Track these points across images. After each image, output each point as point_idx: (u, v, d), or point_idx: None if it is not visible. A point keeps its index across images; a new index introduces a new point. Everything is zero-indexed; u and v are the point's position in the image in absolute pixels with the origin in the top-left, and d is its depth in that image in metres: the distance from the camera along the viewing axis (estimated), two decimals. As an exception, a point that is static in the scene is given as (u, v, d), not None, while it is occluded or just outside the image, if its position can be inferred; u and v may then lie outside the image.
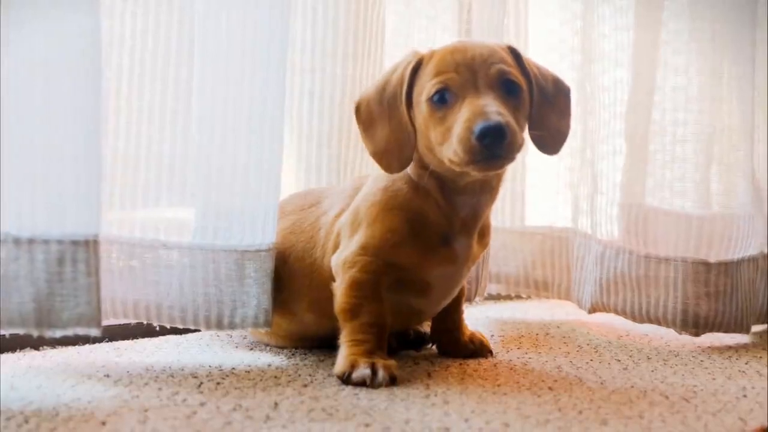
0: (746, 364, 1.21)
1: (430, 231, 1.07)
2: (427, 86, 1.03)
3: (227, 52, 1.09)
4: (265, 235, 1.12)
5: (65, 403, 0.91)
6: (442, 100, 1.01)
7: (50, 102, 0.95)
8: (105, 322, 1.21)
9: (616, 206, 1.44)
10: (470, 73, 1.01)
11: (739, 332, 1.38)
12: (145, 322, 1.12)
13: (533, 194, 1.62)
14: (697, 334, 1.36)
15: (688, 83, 1.41)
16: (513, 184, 1.57)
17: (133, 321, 1.13)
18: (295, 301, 1.15)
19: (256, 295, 1.11)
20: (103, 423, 0.84)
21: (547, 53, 1.58)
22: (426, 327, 1.26)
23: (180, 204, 1.14)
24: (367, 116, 1.08)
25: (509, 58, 1.05)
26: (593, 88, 1.47)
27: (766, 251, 1.44)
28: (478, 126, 0.96)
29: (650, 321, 1.38)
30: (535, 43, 1.58)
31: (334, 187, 1.23)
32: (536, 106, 1.07)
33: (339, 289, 1.07)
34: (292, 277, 1.15)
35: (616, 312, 1.41)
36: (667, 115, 1.42)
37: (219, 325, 1.11)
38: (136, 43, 1.12)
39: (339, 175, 1.36)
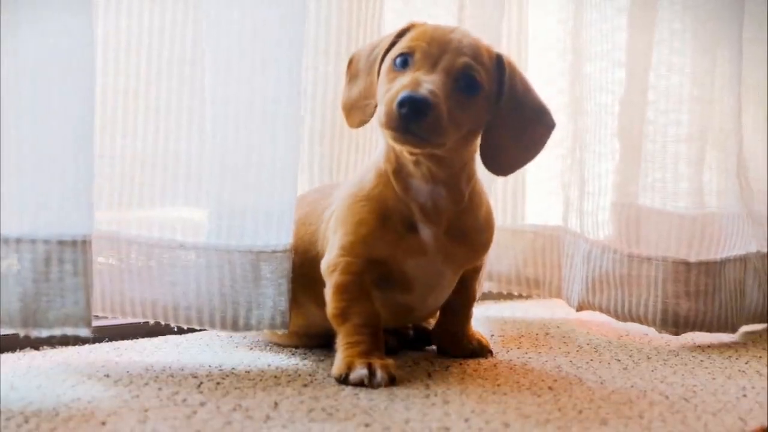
0: (746, 364, 1.21)
1: (395, 218, 1.07)
2: (396, 47, 1.04)
3: (240, 49, 1.09)
4: (280, 235, 1.12)
5: (65, 403, 0.91)
6: (404, 63, 1.03)
7: (39, 102, 0.94)
8: (108, 322, 1.23)
9: (602, 205, 1.44)
10: (438, 50, 1.02)
11: (724, 332, 1.38)
12: (162, 322, 1.13)
13: (529, 193, 1.62)
14: (677, 333, 1.36)
15: (678, 83, 1.41)
16: (505, 184, 1.57)
17: (152, 321, 1.13)
18: (302, 291, 1.15)
19: (272, 296, 1.11)
20: (103, 423, 0.84)
21: (545, 52, 1.58)
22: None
23: (196, 203, 1.14)
24: (354, 69, 1.12)
25: (487, 61, 1.05)
26: (584, 87, 1.46)
27: (764, 251, 1.45)
28: (402, 94, 0.96)
29: (632, 320, 1.38)
30: (534, 41, 1.58)
31: (344, 182, 1.23)
32: (500, 120, 1.06)
33: (327, 294, 1.08)
34: (300, 268, 1.15)
35: (601, 310, 1.41)
36: (655, 115, 1.42)
37: (235, 327, 1.12)
38: (153, 41, 1.12)
39: (332, 174, 1.36)
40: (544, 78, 1.57)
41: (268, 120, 1.10)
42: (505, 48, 1.50)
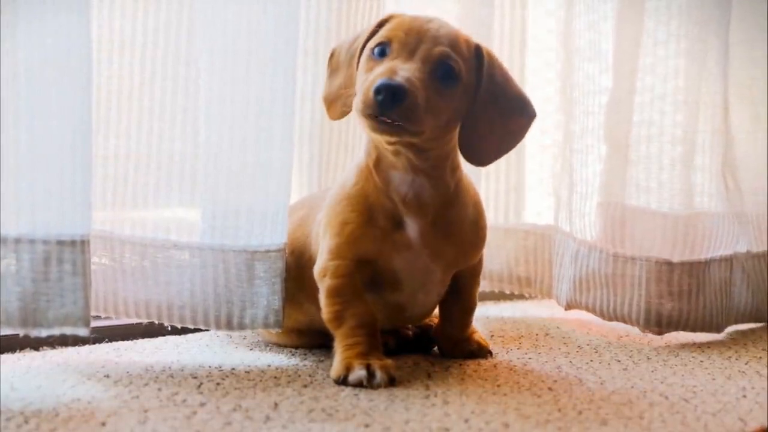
0: (746, 364, 1.21)
1: (378, 213, 1.07)
2: (375, 38, 1.05)
3: (234, 50, 1.09)
4: (274, 235, 1.12)
5: (65, 403, 0.91)
6: (382, 53, 1.03)
7: (37, 102, 0.94)
8: (108, 323, 1.23)
9: (590, 204, 1.44)
10: (416, 40, 1.02)
11: (709, 332, 1.38)
12: (156, 322, 1.13)
13: (527, 193, 1.62)
14: (660, 333, 1.36)
15: (664, 84, 1.41)
16: (497, 184, 1.57)
17: (145, 321, 1.14)
18: (299, 291, 1.15)
19: (266, 295, 1.12)
20: (103, 423, 0.84)
21: (543, 53, 1.58)
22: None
23: (190, 203, 1.14)
24: (335, 62, 1.12)
25: (466, 52, 1.05)
26: (575, 90, 1.46)
27: (753, 251, 1.45)
28: (378, 81, 0.97)
29: (617, 319, 1.39)
30: (534, 41, 1.58)
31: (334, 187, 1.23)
32: (479, 110, 1.06)
33: (321, 299, 1.08)
34: (297, 269, 1.15)
35: (587, 309, 1.42)
36: (641, 116, 1.42)
37: (229, 326, 1.12)
38: (147, 41, 1.12)
39: (321, 175, 1.36)
40: (542, 78, 1.57)
41: (263, 120, 1.10)
42: (498, 47, 1.50)
